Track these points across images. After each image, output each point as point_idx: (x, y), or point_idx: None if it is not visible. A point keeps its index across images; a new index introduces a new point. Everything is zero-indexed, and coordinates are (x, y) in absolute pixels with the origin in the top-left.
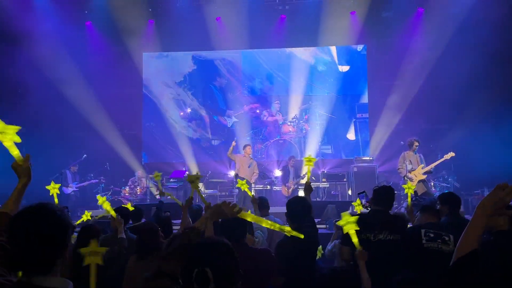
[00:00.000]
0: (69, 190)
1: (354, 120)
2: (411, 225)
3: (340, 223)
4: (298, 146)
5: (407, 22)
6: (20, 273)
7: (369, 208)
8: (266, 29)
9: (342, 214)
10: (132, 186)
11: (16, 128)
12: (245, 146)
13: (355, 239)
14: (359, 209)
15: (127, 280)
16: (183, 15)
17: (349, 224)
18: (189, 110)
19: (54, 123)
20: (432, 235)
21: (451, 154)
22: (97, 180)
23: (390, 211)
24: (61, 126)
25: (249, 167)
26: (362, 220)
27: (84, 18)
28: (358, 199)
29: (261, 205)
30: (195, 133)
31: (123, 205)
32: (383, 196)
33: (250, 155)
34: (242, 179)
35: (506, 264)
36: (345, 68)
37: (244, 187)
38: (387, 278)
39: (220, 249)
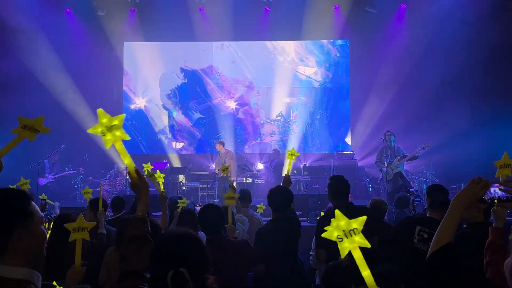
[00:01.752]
0: (45, 180)
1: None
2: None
3: (324, 235)
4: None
5: (390, 18)
6: None
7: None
8: (250, 21)
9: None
10: (111, 178)
11: (121, 116)
12: (215, 144)
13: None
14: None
15: (104, 270)
16: (165, 5)
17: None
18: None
19: (32, 112)
20: (426, 235)
21: (428, 144)
22: (74, 171)
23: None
24: (39, 115)
25: (224, 163)
26: (331, 212)
27: (63, 5)
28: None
29: (243, 197)
30: (177, 126)
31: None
32: (337, 189)
33: (224, 151)
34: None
35: (481, 255)
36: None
37: (225, 172)
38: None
39: (189, 244)
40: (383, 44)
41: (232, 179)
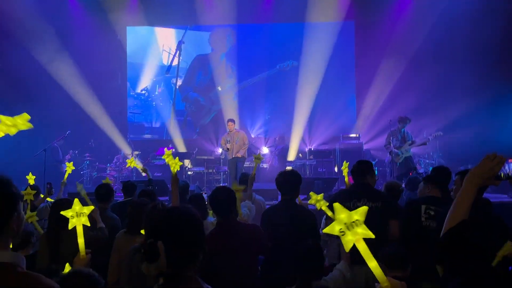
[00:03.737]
0: (64, 166)
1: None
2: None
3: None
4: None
5: None
6: None
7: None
8: (253, 3)
9: (310, 194)
10: (118, 163)
11: (26, 117)
12: (228, 121)
13: (329, 213)
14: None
15: (115, 254)
16: None
17: (318, 202)
18: (179, 82)
19: (37, 99)
20: (432, 212)
21: (439, 133)
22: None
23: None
24: (44, 102)
25: (236, 142)
26: (343, 192)
27: None
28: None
29: (244, 181)
30: (183, 112)
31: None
32: (358, 169)
33: (235, 129)
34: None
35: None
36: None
37: (257, 161)
38: (367, 243)
39: (180, 219)
40: (389, 25)
41: (240, 156)
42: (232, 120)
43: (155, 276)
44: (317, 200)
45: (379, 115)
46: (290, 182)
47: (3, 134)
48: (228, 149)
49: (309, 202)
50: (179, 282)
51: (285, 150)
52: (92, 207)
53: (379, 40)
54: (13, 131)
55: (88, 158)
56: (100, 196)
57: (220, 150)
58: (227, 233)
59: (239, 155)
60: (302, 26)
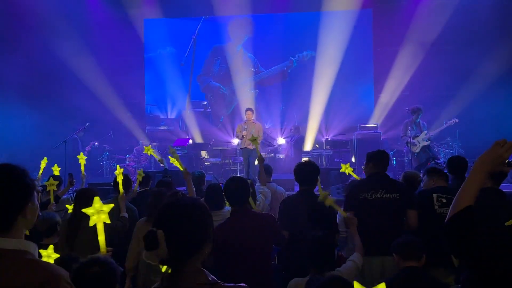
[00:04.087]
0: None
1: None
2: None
3: (320, 197)
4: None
5: None
6: None
7: None
8: None
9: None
10: (136, 154)
11: (110, 206)
12: (246, 110)
13: (338, 208)
14: (348, 171)
15: (135, 243)
16: None
17: (327, 198)
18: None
19: (58, 92)
20: (444, 200)
21: (455, 120)
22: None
23: (386, 172)
24: (65, 95)
25: (251, 133)
26: (360, 183)
27: None
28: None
29: (265, 172)
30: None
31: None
32: (378, 159)
33: (252, 120)
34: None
35: (492, 221)
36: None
37: (255, 143)
38: (384, 234)
39: (184, 211)
40: (407, 12)
41: (252, 148)
42: (250, 109)
43: (157, 263)
44: (325, 196)
45: (398, 104)
46: (307, 172)
47: None
48: (243, 136)
49: (319, 199)
50: (181, 275)
51: (301, 141)
52: (111, 205)
53: (398, 27)
54: None
55: (108, 149)
56: (118, 186)
57: (236, 141)
58: (241, 222)
59: (250, 147)
60: (319, 15)
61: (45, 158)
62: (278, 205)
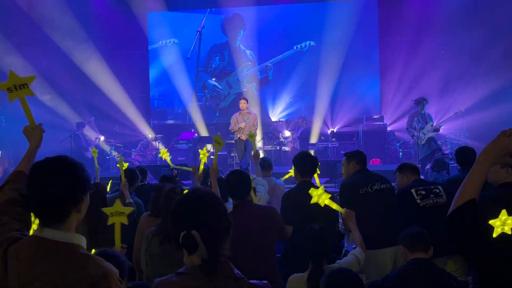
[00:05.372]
0: (90, 153)
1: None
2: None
3: (313, 199)
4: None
5: None
6: (32, 231)
7: None
8: None
9: (310, 191)
10: (142, 148)
11: (32, 78)
12: (240, 99)
13: (334, 205)
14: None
15: (139, 237)
16: None
17: (321, 197)
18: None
19: (62, 86)
20: (423, 192)
21: (461, 110)
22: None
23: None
24: (68, 89)
25: (246, 123)
26: (355, 179)
27: None
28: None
29: (264, 166)
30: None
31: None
32: (361, 156)
33: (246, 109)
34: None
35: None
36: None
37: (252, 139)
38: (391, 224)
39: (207, 205)
40: (413, 3)
41: (245, 138)
42: (244, 99)
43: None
44: (319, 195)
45: (404, 95)
46: (307, 163)
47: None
48: (239, 128)
49: (311, 202)
50: (216, 267)
51: (306, 133)
52: (130, 209)
53: (404, 17)
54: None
55: (114, 143)
56: (127, 179)
57: (233, 123)
58: (243, 215)
59: (244, 137)
60: (324, 6)
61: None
62: (276, 200)
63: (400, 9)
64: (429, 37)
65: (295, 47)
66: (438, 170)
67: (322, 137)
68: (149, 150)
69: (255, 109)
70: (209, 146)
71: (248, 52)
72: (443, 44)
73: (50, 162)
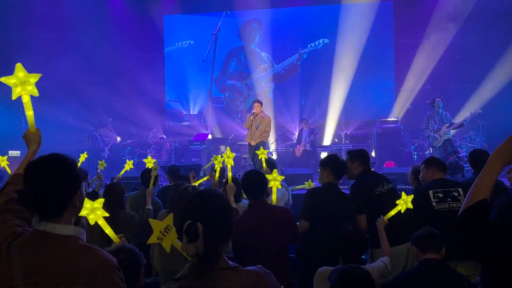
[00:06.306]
0: (106, 154)
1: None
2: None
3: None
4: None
5: None
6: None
7: None
8: None
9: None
10: (157, 149)
11: (37, 76)
12: (254, 102)
13: (394, 211)
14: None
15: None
16: None
17: (408, 203)
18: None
19: (79, 88)
20: (441, 194)
21: (478, 110)
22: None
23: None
24: (86, 91)
25: (257, 128)
26: (367, 180)
27: None
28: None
29: (268, 167)
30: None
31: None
32: (366, 157)
33: (260, 113)
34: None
35: None
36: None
37: (262, 156)
38: (402, 221)
39: (215, 203)
40: (428, 5)
41: (254, 144)
42: (259, 101)
43: (191, 256)
44: (407, 201)
45: (419, 97)
46: (341, 166)
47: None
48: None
49: (399, 204)
50: (211, 260)
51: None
52: (102, 200)
53: (419, 20)
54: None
55: (130, 144)
56: (145, 180)
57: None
58: (258, 214)
59: (253, 142)
60: (339, 8)
61: (85, 153)
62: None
63: (415, 12)
64: (444, 39)
65: (309, 45)
66: (452, 174)
67: (336, 139)
68: (164, 151)
69: (269, 111)
70: (222, 148)
71: (263, 54)
72: (458, 46)
73: (43, 160)
